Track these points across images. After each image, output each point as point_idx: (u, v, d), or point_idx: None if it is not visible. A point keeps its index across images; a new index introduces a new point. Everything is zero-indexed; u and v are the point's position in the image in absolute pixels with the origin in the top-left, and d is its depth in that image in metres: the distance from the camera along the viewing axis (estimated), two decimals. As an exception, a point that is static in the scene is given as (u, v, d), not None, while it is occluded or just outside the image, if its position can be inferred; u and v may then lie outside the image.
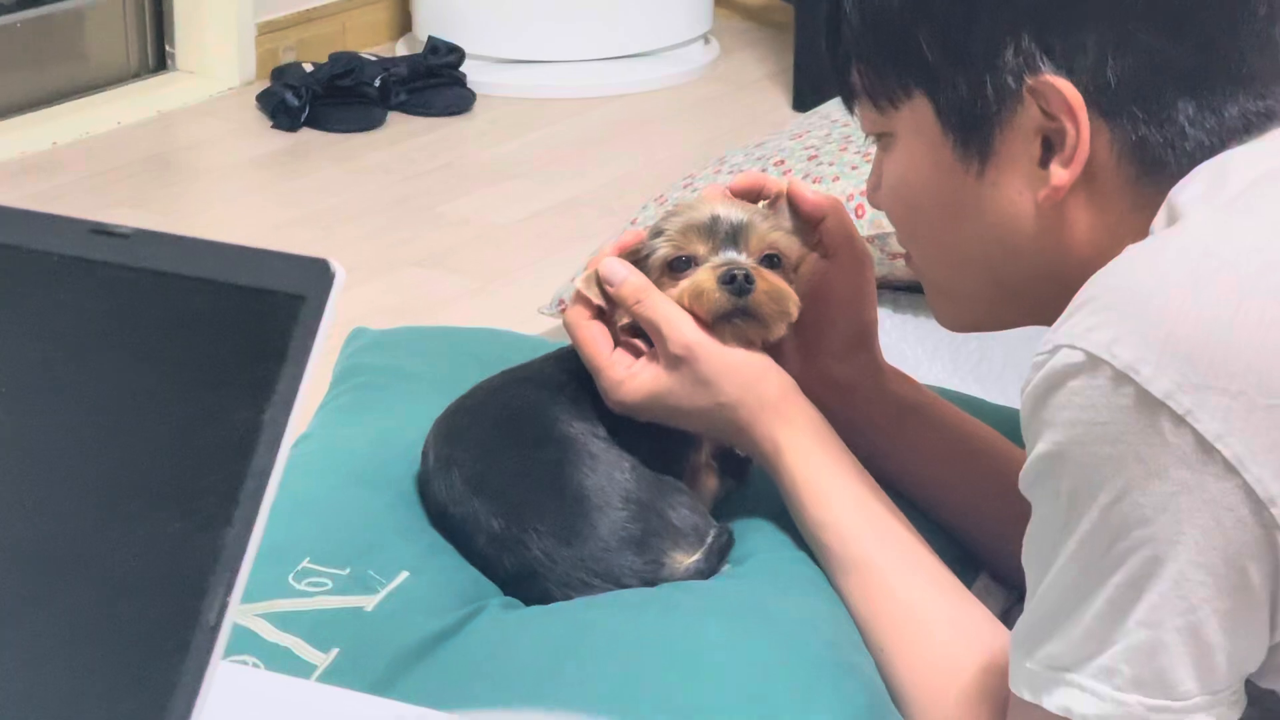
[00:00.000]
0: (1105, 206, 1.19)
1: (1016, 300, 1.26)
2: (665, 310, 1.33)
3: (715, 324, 1.34)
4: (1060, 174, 1.18)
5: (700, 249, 1.35)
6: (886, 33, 1.22)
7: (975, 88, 1.19)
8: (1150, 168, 1.17)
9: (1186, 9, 1.16)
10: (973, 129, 1.20)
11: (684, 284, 1.34)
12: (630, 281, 1.34)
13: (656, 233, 1.37)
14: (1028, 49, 1.17)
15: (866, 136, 1.30)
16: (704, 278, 1.34)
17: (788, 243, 1.38)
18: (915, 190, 1.26)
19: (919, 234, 1.29)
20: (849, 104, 1.29)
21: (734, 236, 1.35)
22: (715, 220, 1.35)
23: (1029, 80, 1.17)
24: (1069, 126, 1.16)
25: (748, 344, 1.35)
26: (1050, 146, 1.18)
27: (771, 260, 1.36)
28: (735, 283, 1.33)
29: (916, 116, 1.23)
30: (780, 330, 1.36)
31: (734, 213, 1.36)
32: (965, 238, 1.24)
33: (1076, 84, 1.16)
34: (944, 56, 1.20)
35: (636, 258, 1.37)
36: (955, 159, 1.22)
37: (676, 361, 1.33)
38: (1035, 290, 1.23)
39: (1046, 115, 1.17)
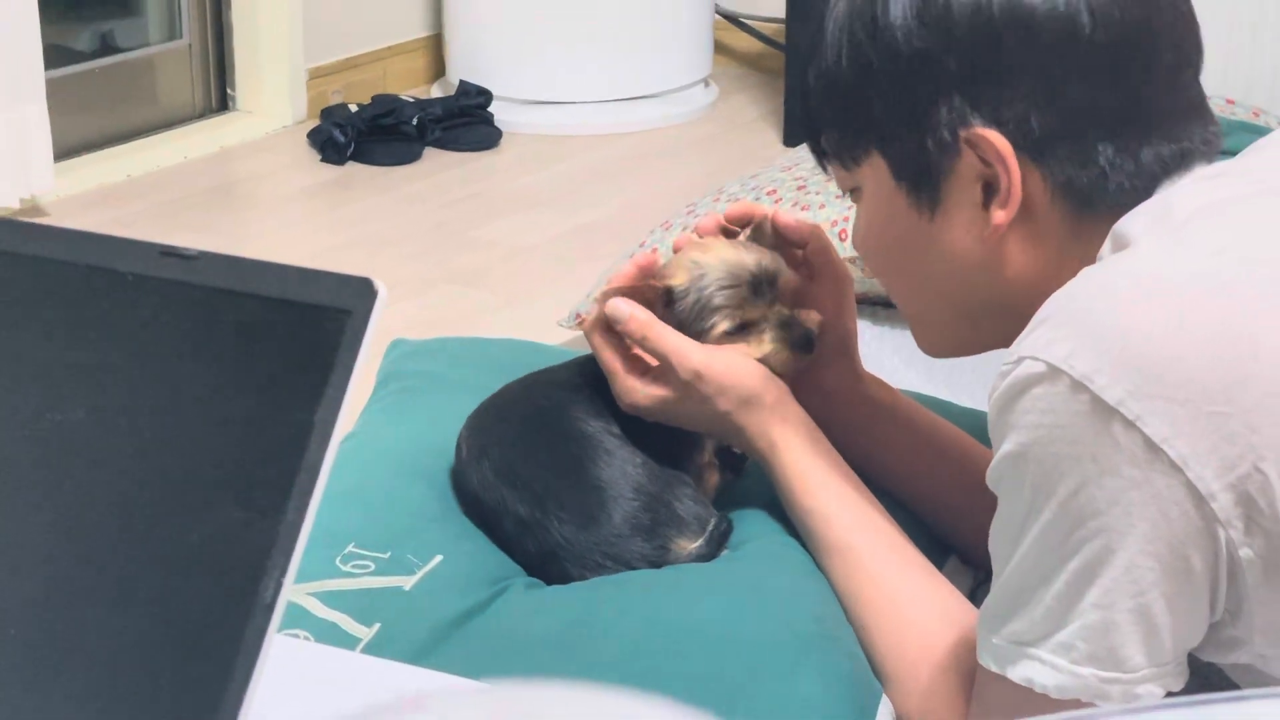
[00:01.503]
0: (1044, 240, 1.19)
1: (978, 326, 1.26)
2: (671, 341, 1.34)
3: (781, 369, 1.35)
4: (999, 214, 1.18)
5: (754, 314, 1.35)
6: (842, 100, 1.23)
7: (919, 143, 1.19)
8: (1082, 204, 1.17)
9: (1100, 62, 1.16)
10: (922, 179, 1.21)
11: (753, 345, 1.35)
12: (635, 318, 1.34)
13: (703, 305, 1.34)
14: (958, 106, 1.17)
15: (842, 194, 1.30)
16: (774, 347, 1.35)
17: (791, 275, 1.38)
18: (880, 234, 1.27)
19: (888, 271, 1.30)
20: (822, 165, 1.30)
21: (771, 287, 1.35)
22: (757, 282, 1.35)
23: (963, 133, 1.17)
24: (1002, 171, 1.17)
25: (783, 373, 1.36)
26: (991, 190, 1.18)
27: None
28: (810, 346, 1.35)
29: (875, 171, 1.24)
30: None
31: (763, 265, 1.36)
32: (925, 273, 1.25)
33: (1005, 133, 1.16)
34: (889, 118, 1.20)
35: (677, 310, 1.35)
36: (909, 206, 1.22)
37: (685, 385, 1.33)
38: (992, 316, 1.23)
39: (984, 163, 1.17)
